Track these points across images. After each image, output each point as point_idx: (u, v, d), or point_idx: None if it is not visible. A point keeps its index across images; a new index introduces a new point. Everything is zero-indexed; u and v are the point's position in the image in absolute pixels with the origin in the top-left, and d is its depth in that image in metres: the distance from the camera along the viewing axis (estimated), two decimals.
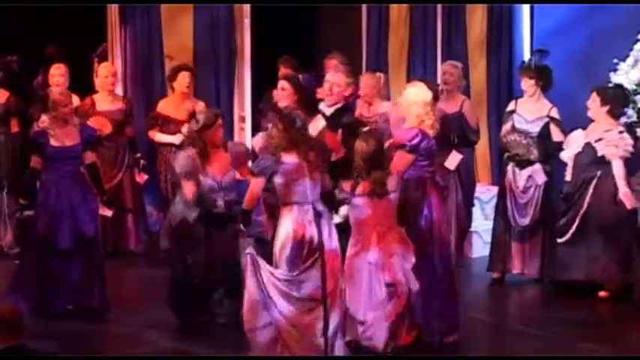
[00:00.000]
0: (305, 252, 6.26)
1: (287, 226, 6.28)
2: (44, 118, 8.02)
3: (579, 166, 8.17)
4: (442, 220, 6.96)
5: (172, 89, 9.75)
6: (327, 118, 7.21)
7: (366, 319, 6.53)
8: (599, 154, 8.06)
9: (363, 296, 6.54)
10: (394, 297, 6.53)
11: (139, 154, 9.69)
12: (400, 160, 6.77)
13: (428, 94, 6.95)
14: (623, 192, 7.96)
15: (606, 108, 8.14)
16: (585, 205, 8.10)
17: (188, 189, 7.01)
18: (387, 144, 6.92)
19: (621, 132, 8.09)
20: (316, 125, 7.12)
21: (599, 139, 8.06)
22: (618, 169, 8.02)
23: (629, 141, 8.08)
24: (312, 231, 6.26)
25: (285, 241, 6.28)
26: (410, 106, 6.88)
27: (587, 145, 8.12)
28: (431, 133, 6.88)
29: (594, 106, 8.17)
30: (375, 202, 6.55)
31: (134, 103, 10.05)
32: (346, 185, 6.60)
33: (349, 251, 6.63)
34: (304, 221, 6.27)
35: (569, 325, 7.47)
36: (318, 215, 6.30)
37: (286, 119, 6.43)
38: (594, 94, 8.18)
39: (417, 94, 6.94)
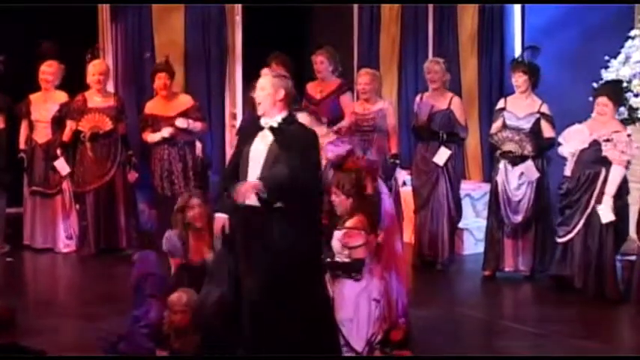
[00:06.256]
0: None
1: None
2: None
3: (582, 162, 8.06)
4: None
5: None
6: None
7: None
8: (604, 154, 7.96)
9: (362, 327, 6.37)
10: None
11: (130, 152, 9.69)
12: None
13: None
14: (600, 208, 7.93)
15: (616, 108, 8.15)
16: (590, 208, 8.03)
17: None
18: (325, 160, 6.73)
19: (629, 135, 8.04)
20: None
21: (608, 140, 7.95)
22: (616, 175, 7.92)
23: (635, 144, 8.02)
24: None
25: None
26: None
27: (595, 142, 8.00)
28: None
29: (608, 110, 8.03)
30: (372, 238, 6.44)
31: (125, 101, 10.04)
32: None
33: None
34: None
35: (562, 322, 7.47)
36: None
37: None
38: (605, 99, 8.01)
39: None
